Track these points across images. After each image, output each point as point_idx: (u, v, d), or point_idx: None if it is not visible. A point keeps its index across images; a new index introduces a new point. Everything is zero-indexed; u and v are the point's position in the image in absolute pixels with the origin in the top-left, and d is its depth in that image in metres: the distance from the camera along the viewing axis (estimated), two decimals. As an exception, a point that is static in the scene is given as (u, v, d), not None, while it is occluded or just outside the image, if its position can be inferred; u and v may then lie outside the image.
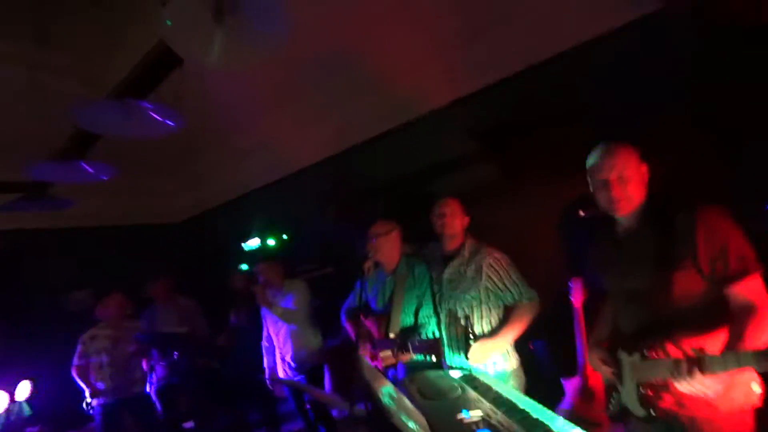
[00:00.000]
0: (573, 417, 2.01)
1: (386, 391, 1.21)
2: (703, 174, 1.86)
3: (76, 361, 3.13)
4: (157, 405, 3.44)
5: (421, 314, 2.24)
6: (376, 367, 2.20)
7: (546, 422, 1.23)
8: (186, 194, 5.62)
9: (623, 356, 1.36)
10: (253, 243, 4.64)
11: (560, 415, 1.30)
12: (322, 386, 2.98)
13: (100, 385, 3.13)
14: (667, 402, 1.28)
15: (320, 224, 3.98)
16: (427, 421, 1.25)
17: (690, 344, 1.15)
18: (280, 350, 3.10)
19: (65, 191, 3.47)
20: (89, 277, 4.11)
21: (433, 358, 1.87)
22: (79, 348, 3.15)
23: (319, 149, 3.95)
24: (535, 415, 1.29)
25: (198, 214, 5.70)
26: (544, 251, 2.49)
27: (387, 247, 2.33)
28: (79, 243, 4.69)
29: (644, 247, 1.34)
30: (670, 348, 1.27)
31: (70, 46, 3.09)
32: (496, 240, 2.19)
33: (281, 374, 3.12)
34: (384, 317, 2.30)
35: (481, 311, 2.05)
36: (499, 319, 2.07)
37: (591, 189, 1.46)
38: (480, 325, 2.05)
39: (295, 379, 3.04)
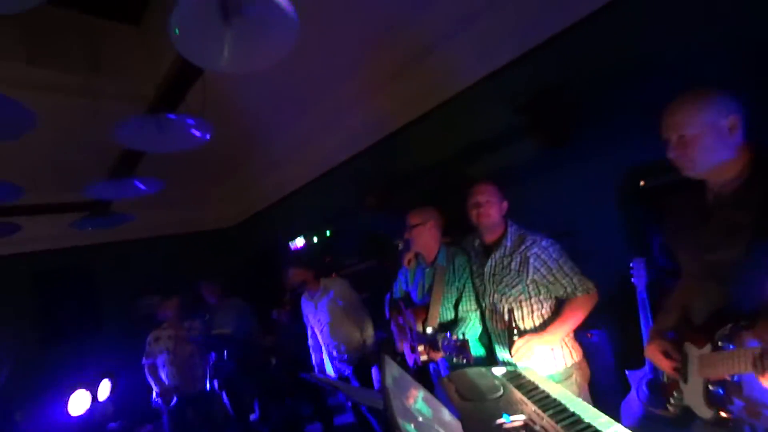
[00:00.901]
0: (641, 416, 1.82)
1: (416, 407, 1.10)
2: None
3: (144, 359, 3.41)
4: (224, 400, 3.65)
5: (461, 308, 2.13)
6: (414, 364, 2.12)
7: (600, 429, 1.08)
8: (232, 202, 5.91)
9: (690, 348, 1.15)
10: (298, 242, 4.75)
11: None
12: (370, 378, 2.97)
13: (165, 382, 3.39)
14: (739, 405, 1.07)
15: (361, 217, 3.96)
16: (463, 426, 1.15)
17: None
18: (326, 346, 3.14)
19: (123, 207, 3.77)
20: (152, 283, 4.46)
21: (463, 361, 1.73)
22: (146, 348, 3.43)
23: (351, 143, 3.92)
24: (587, 420, 1.13)
25: (244, 219, 5.98)
26: (600, 230, 2.23)
27: (425, 237, 2.24)
28: (140, 253, 5.12)
29: (742, 212, 1.09)
30: (751, 339, 1.05)
31: (119, 69, 3.31)
32: (543, 224, 1.98)
33: (329, 370, 3.16)
34: (424, 309, 2.22)
35: (531, 306, 1.87)
36: (551, 312, 1.88)
37: None
38: (530, 320, 1.87)
39: (344, 373, 3.06)
